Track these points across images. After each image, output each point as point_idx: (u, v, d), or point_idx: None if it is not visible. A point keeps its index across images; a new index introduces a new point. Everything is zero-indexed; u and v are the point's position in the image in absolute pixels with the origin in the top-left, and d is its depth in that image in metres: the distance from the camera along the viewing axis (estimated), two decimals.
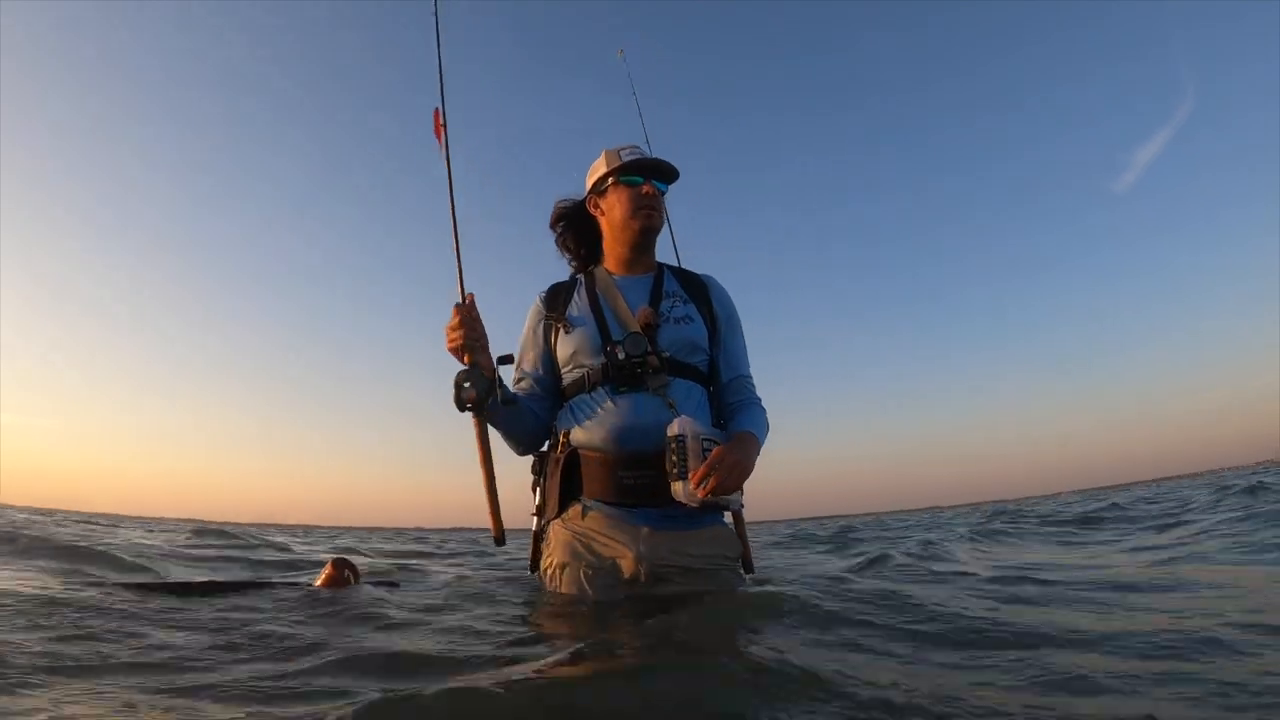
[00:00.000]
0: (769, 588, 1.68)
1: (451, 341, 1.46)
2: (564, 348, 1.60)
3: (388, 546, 5.82)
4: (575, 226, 1.77)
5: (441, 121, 1.67)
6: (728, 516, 1.62)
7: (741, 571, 1.60)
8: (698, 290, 1.69)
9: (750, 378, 1.69)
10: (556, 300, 1.68)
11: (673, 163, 1.67)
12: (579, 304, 1.64)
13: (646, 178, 1.62)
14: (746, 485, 1.60)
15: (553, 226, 1.80)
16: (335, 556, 2.08)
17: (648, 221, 1.62)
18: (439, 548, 5.77)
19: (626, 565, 1.43)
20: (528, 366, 1.66)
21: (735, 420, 1.59)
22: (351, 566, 2.07)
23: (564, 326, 1.60)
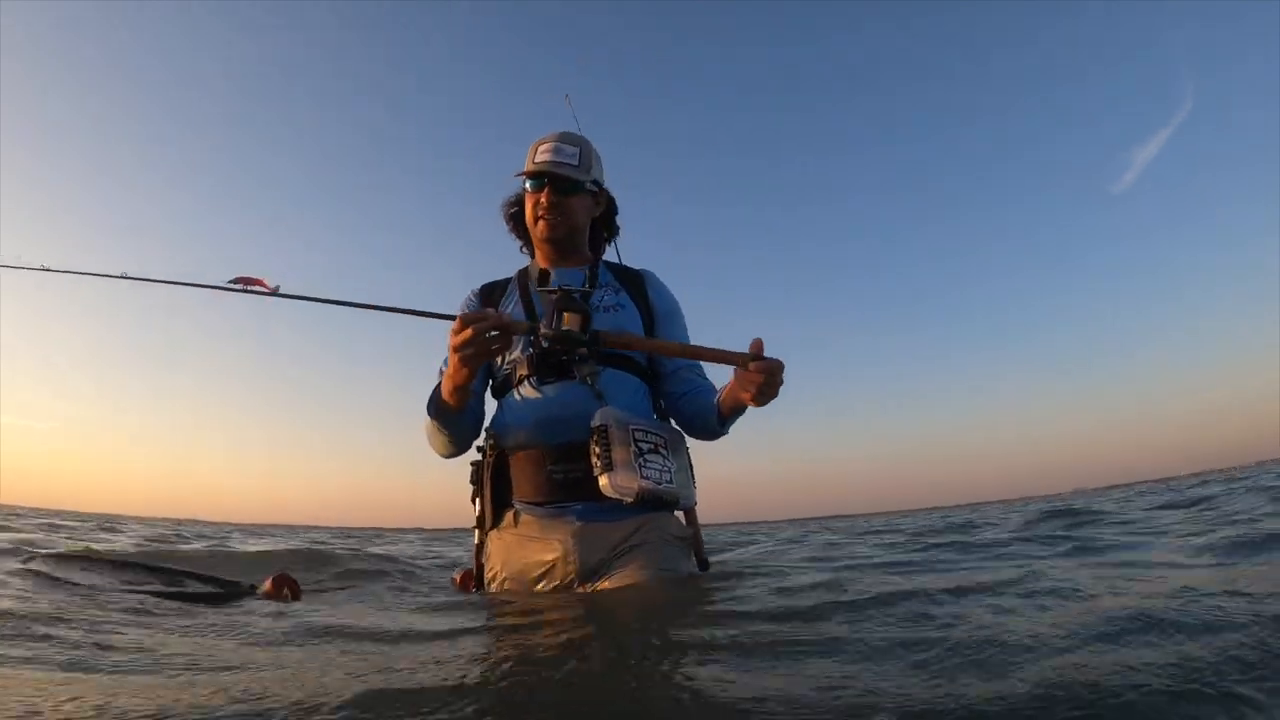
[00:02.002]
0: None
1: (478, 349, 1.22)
2: None
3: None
4: (522, 224, 1.72)
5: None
6: (679, 514, 1.54)
7: (690, 555, 1.51)
8: (633, 283, 1.64)
9: (698, 366, 1.60)
10: (491, 297, 1.64)
11: (588, 155, 1.59)
12: (511, 299, 1.60)
13: (545, 186, 1.55)
14: (701, 483, 1.52)
15: (506, 224, 1.77)
16: (277, 574, 2.05)
17: (543, 233, 1.57)
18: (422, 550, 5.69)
19: (559, 564, 1.38)
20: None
21: (702, 399, 1.50)
22: (292, 585, 2.03)
23: None
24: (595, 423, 1.33)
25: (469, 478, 1.58)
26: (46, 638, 0.99)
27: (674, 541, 1.45)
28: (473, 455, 1.59)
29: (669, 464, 1.36)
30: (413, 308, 1.36)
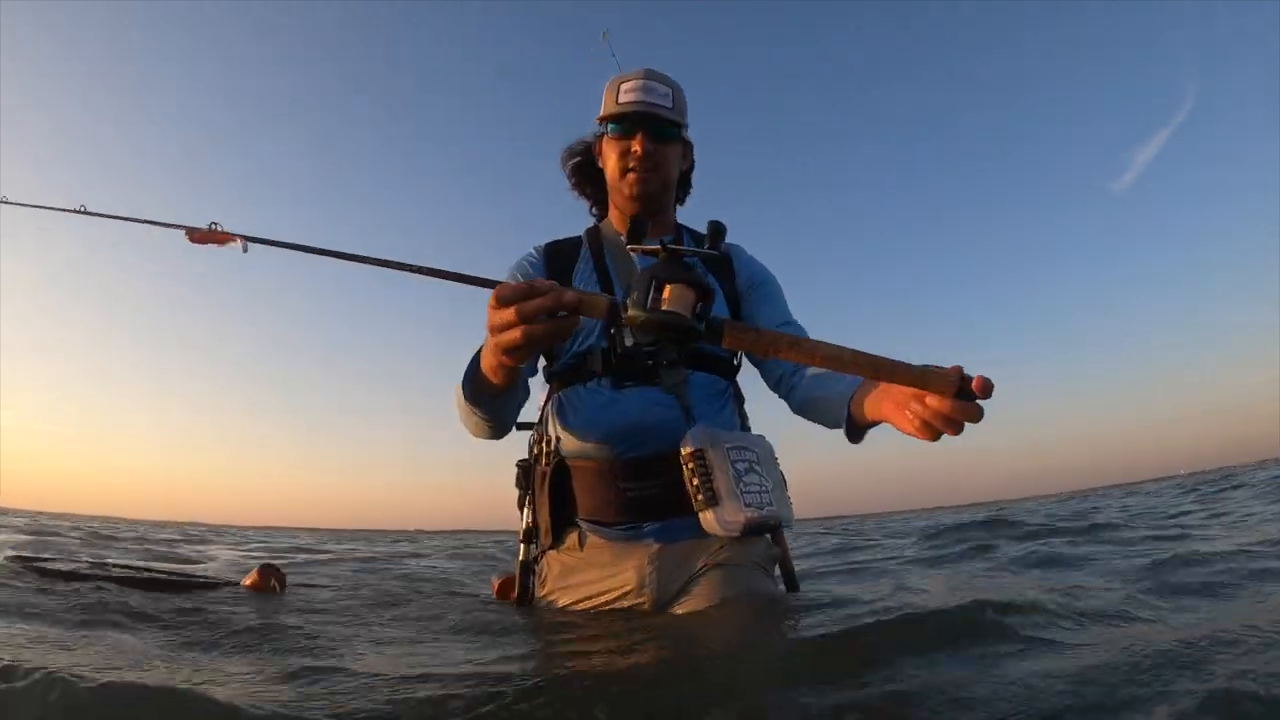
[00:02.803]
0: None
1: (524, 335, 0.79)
2: None
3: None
4: (590, 178, 1.45)
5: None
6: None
7: (775, 577, 1.32)
8: (719, 262, 1.39)
9: (800, 327, 1.32)
10: (558, 260, 1.35)
11: (681, 96, 1.33)
12: (584, 271, 1.33)
13: (638, 129, 1.29)
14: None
15: (569, 180, 1.50)
16: (263, 563, 1.93)
17: (634, 188, 1.31)
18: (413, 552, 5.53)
19: (631, 594, 1.18)
20: None
21: (825, 382, 1.17)
22: (278, 575, 1.89)
23: None
24: (690, 447, 1.12)
25: (514, 479, 1.37)
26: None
27: (760, 563, 1.25)
28: (514, 444, 1.34)
29: (765, 482, 1.16)
30: (436, 267, 0.91)
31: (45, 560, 2.03)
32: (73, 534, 4.94)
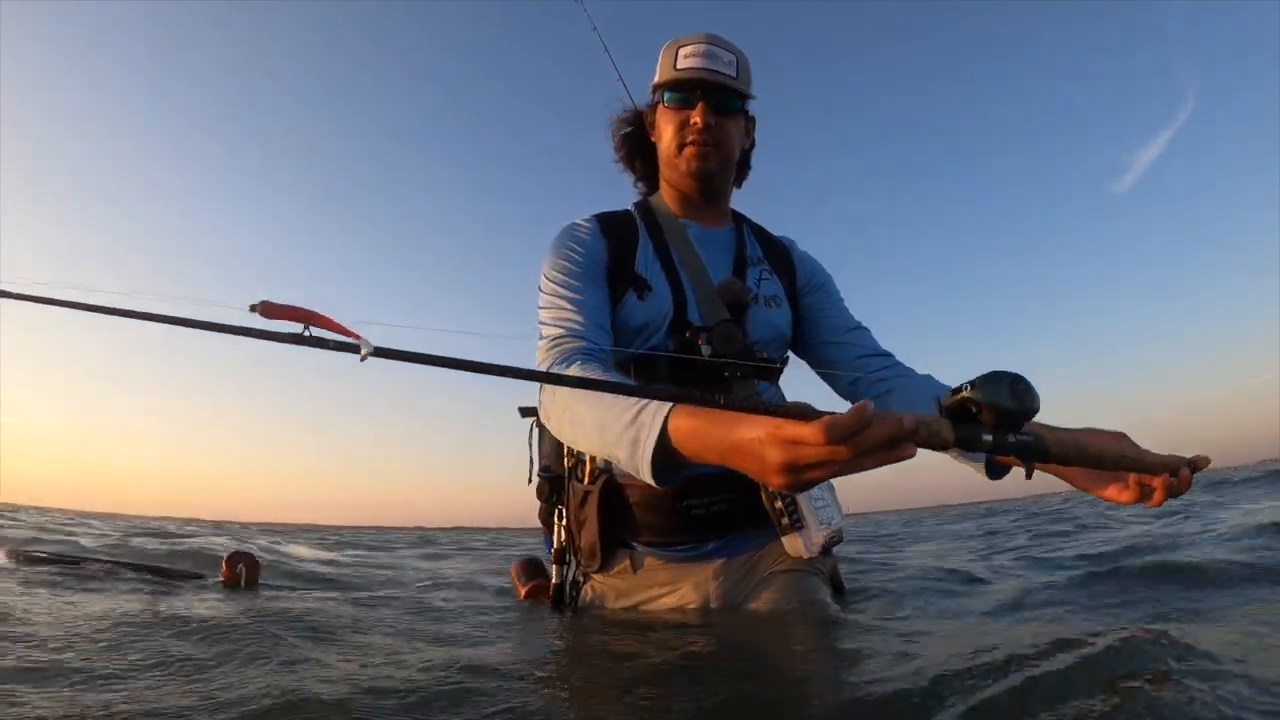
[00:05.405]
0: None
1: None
2: (635, 317, 1.13)
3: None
4: (640, 151, 1.33)
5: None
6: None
7: (829, 582, 1.25)
8: (780, 258, 1.28)
9: (866, 329, 1.27)
10: (616, 236, 1.20)
11: (746, 66, 1.21)
12: (645, 254, 1.19)
13: (699, 99, 1.16)
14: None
15: (616, 152, 1.37)
16: (232, 552, 1.87)
17: (692, 164, 1.18)
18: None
19: (695, 611, 1.13)
20: (582, 318, 1.07)
21: (924, 393, 1.10)
22: (249, 562, 1.82)
23: (643, 288, 1.14)
24: None
25: (537, 490, 1.28)
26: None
27: (822, 569, 1.20)
28: (524, 436, 1.27)
29: (825, 495, 1.11)
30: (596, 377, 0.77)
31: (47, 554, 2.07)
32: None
